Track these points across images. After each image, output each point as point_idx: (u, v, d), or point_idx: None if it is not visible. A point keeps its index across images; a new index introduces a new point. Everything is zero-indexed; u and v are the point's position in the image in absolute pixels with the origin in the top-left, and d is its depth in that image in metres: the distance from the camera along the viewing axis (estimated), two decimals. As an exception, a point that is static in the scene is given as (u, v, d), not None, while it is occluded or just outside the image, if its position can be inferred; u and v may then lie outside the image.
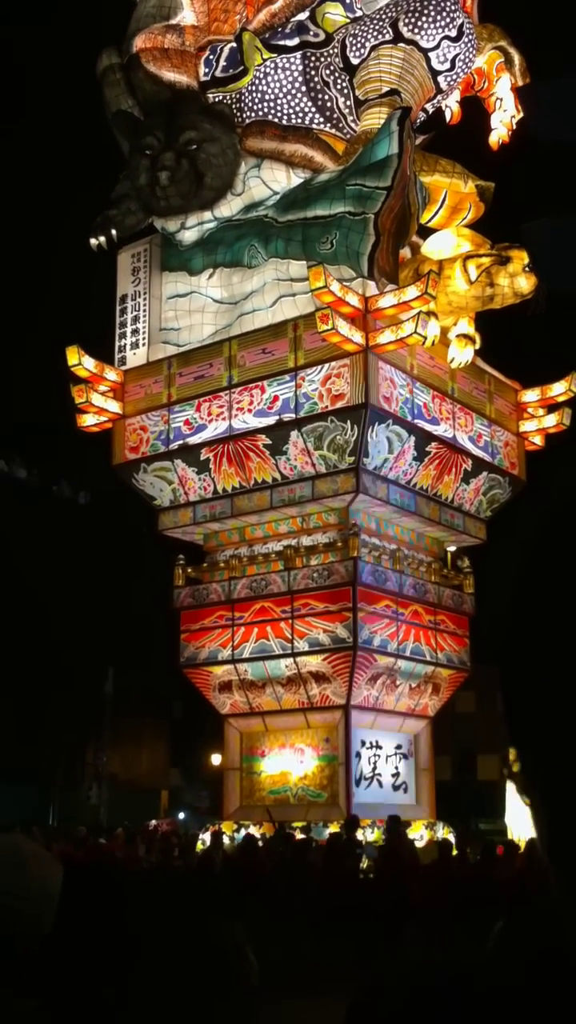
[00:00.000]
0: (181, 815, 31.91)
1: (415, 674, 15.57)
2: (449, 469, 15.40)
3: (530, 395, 16.84)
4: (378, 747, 15.38)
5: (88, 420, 16.17)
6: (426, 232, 15.40)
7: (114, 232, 15.87)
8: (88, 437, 16.98)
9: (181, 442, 15.33)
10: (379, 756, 15.38)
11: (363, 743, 15.11)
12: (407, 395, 14.37)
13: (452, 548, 16.86)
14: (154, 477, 15.80)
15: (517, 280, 14.00)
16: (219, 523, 15.64)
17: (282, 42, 15.25)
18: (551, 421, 16.79)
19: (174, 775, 34.03)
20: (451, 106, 16.39)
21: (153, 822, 28.49)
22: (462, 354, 14.88)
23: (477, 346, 15.09)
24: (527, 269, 13.85)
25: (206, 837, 15.23)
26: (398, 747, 15.80)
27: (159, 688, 31.06)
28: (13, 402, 29.77)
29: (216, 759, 32.81)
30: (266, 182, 15.47)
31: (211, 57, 15.87)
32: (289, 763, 15.28)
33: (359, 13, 15.10)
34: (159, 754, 33.16)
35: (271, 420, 14.41)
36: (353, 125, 15.07)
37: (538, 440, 17.11)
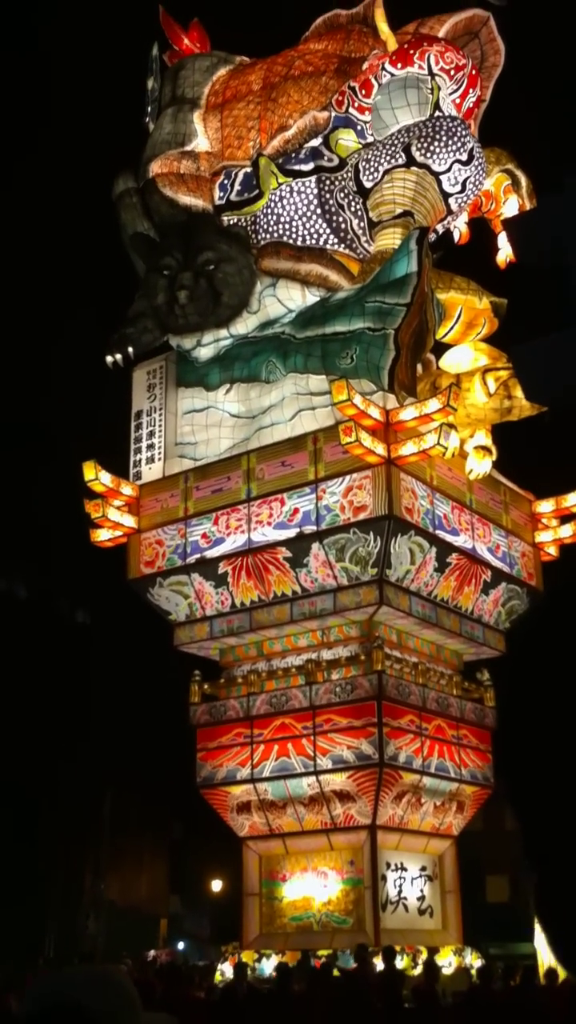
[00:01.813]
0: (181, 944, 30.77)
1: (440, 791, 15.18)
2: (469, 580, 15.30)
3: (544, 506, 16.89)
4: (403, 869, 14.89)
5: (102, 535, 16.05)
6: (440, 347, 15.64)
7: (131, 349, 16.05)
8: (90, 552, 16.86)
9: (198, 556, 15.21)
10: (404, 879, 14.88)
11: (388, 865, 14.63)
12: (428, 506, 14.36)
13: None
14: (170, 591, 15.62)
15: (535, 392, 14.13)
16: (236, 637, 15.41)
17: (297, 167, 15.68)
18: (566, 531, 16.80)
19: (173, 902, 32.91)
20: (459, 227, 16.82)
21: (152, 952, 27.41)
22: (480, 465, 14.94)
23: (494, 457, 15.18)
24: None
25: (225, 968, 14.59)
26: (423, 869, 15.31)
27: (158, 808, 30.31)
28: (13, 516, 29.68)
29: (217, 885, 31.77)
30: (281, 300, 15.73)
31: (226, 182, 16.33)
32: (312, 887, 14.75)
33: (370, 139, 15.56)
34: (158, 879, 32.09)
35: (291, 532, 14.33)
36: (366, 245, 15.42)
37: (553, 551, 17.09)
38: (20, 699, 28.52)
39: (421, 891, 15.14)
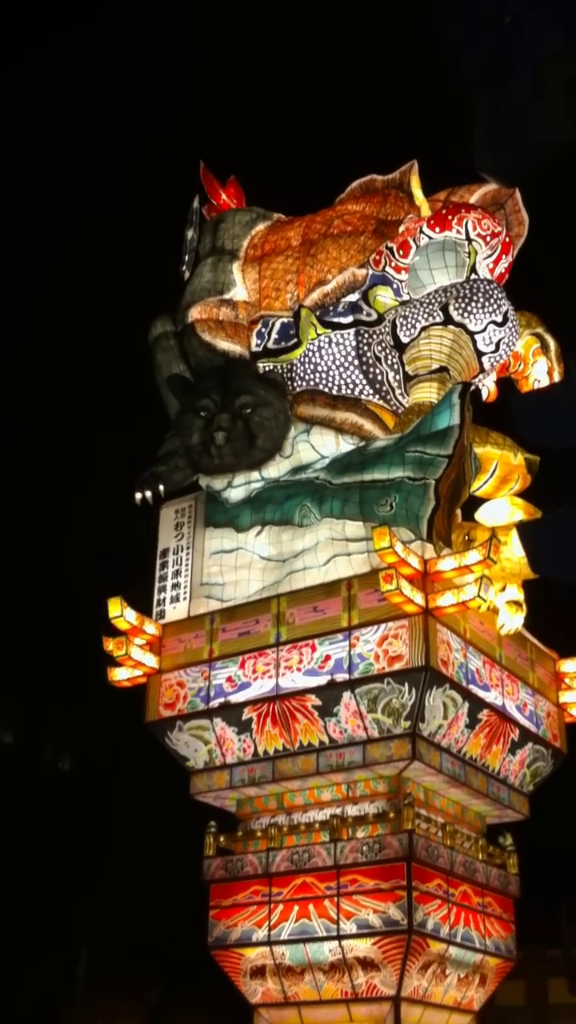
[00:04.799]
0: None
1: (465, 963, 14.40)
2: (498, 738, 14.91)
3: (569, 665, 16.66)
4: (425, 1047, 13.97)
5: (120, 674, 15.62)
6: (472, 501, 15.68)
7: (162, 487, 15.99)
8: (79, 696, 16.39)
9: (222, 700, 14.77)
10: (425, 1058, 13.95)
11: (410, 1042, 13.72)
12: (462, 659, 14.10)
13: None
14: (190, 736, 15.10)
15: (573, 549, 14.09)
16: (257, 788, 14.82)
17: (336, 319, 16.03)
18: (591, 693, 16.52)
19: (148, 1076, 30.74)
20: (488, 385, 17.12)
21: None
22: (513, 620, 14.79)
23: (525, 612, 15.03)
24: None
25: None
26: (443, 1047, 14.37)
27: (136, 970, 28.69)
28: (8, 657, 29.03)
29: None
30: (315, 446, 15.82)
31: (263, 330, 16.66)
32: (328, 1064, 13.78)
33: (406, 297, 15.98)
34: (132, 1050, 30.03)
35: (322, 680, 13.98)
36: (401, 398, 15.63)
37: (577, 712, 16.79)
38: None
39: (442, 1073, 14.18)
